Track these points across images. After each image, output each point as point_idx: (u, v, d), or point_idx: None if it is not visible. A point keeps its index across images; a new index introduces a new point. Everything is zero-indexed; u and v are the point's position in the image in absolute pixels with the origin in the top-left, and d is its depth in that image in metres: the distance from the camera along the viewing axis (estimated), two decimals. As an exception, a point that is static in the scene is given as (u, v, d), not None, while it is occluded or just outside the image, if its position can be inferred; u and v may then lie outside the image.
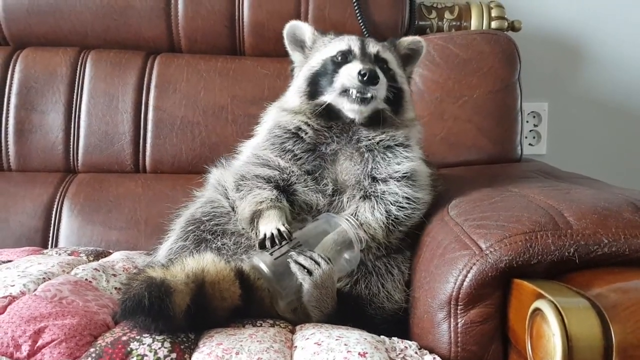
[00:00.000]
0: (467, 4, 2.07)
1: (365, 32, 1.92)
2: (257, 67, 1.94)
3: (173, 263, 1.15)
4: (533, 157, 2.14)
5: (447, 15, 2.05)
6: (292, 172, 1.30)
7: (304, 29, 1.44)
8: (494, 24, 2.04)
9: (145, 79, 1.93)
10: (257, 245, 1.22)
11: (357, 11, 1.92)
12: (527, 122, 2.30)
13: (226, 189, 1.38)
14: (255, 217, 1.26)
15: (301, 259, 1.15)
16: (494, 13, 2.04)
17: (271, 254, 1.17)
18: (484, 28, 2.03)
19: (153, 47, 1.99)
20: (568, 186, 1.31)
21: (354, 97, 1.28)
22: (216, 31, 1.96)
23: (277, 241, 1.18)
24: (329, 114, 1.33)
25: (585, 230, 0.99)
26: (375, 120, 1.32)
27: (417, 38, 1.47)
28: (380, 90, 1.29)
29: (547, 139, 2.33)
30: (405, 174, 1.29)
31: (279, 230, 1.19)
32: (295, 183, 1.30)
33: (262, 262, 1.15)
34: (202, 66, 1.95)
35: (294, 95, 1.39)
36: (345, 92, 1.29)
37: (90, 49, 1.97)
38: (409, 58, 1.47)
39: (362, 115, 1.31)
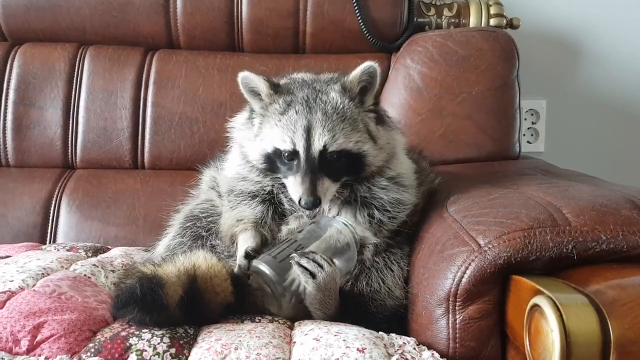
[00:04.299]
0: (465, 1, 2.07)
1: (364, 30, 1.92)
2: (256, 63, 1.94)
3: (165, 261, 1.17)
4: (531, 154, 2.14)
5: (445, 12, 2.05)
6: (268, 184, 1.30)
7: (259, 85, 1.28)
8: (492, 22, 2.03)
9: (144, 75, 1.93)
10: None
11: (356, 8, 1.92)
12: (526, 119, 2.30)
13: (219, 193, 1.40)
14: (233, 237, 1.29)
15: (304, 262, 1.15)
16: (492, 10, 2.04)
17: (274, 256, 1.17)
18: (482, 25, 2.03)
19: (152, 43, 1.98)
20: (566, 183, 1.31)
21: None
22: (215, 27, 1.96)
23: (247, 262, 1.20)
24: None
25: (584, 227, 0.99)
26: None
27: (367, 64, 1.25)
28: (327, 198, 1.23)
29: (546, 136, 2.33)
30: (390, 178, 1.29)
31: (247, 253, 1.20)
32: (278, 193, 1.30)
33: (264, 263, 1.16)
34: (201, 62, 1.95)
35: (254, 158, 1.31)
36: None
37: (89, 44, 1.96)
38: (366, 89, 1.28)
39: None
